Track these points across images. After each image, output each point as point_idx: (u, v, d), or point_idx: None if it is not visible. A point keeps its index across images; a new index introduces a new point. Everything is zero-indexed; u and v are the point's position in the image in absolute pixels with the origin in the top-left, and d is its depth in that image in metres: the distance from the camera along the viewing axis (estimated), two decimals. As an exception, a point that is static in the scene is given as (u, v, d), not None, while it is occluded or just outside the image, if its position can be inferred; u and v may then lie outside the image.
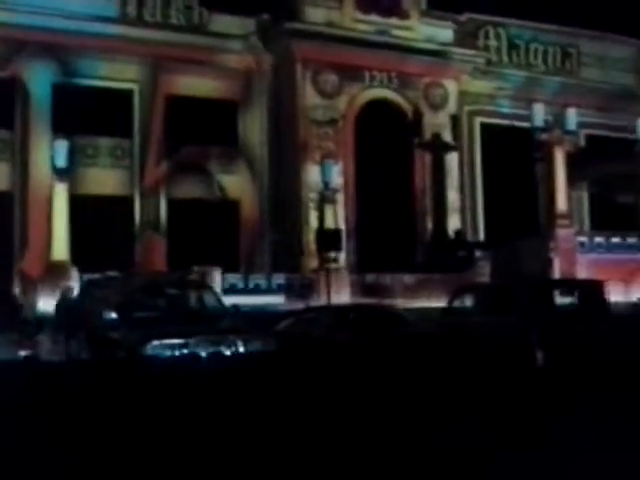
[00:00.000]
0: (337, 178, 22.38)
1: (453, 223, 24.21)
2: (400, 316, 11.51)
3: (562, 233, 20.40)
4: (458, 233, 23.16)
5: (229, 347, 9.25)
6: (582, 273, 20.21)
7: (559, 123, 26.94)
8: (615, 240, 21.59)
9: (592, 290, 13.48)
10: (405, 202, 23.85)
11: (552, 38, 28.00)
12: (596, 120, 28.15)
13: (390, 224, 23.21)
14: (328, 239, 19.38)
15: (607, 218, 25.61)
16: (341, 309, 13.69)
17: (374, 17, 23.55)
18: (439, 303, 15.86)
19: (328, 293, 18.33)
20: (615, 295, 20.30)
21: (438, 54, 24.13)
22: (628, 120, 28.27)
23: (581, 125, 27.91)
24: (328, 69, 22.83)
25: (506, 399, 8.60)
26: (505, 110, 26.18)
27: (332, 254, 19.52)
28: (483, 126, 26.15)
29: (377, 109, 23.72)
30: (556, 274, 20.09)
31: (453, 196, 24.34)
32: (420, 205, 23.99)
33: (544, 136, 21.25)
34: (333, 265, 19.82)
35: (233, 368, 8.84)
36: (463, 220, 25.19)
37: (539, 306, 12.37)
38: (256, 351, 9.32)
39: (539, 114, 21.12)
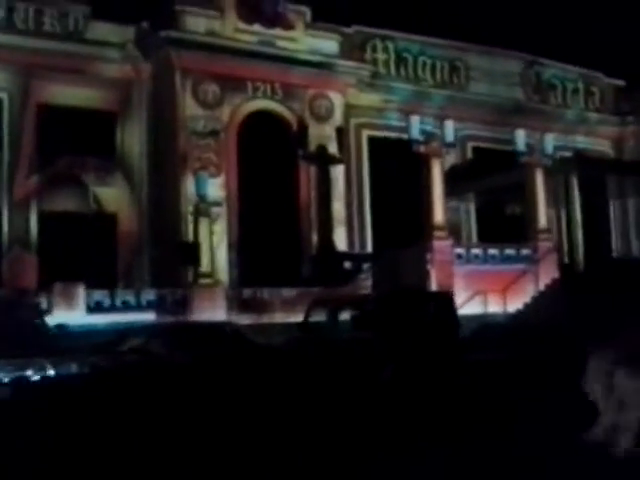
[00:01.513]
0: (218, 191, 21.96)
1: (339, 236, 24.04)
2: (239, 333, 11.11)
3: (438, 245, 20.43)
4: (328, 247, 22.91)
5: (37, 371, 8.67)
6: (459, 284, 20.27)
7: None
8: (493, 251, 21.76)
9: (443, 302, 13.38)
10: (290, 215, 23.56)
11: (440, 52, 28.24)
12: (483, 133, 28.60)
13: (275, 237, 22.88)
14: (186, 252, 18.89)
15: (494, 230, 25.93)
16: (182, 328, 13.22)
17: (257, 28, 23.24)
18: (319, 317, 15.67)
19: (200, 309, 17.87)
20: (493, 306, 20.62)
21: (323, 66, 23.99)
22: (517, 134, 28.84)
23: (468, 138, 28.40)
24: (209, 79, 22.38)
25: (328, 416, 8.38)
26: (392, 123, 26.19)
27: (201, 268, 19.03)
28: (370, 139, 26.11)
29: (261, 120, 23.40)
30: (433, 286, 20.09)
31: (339, 208, 24.17)
32: (305, 218, 23.73)
33: (422, 148, 21.22)
34: (206, 280, 19.34)
35: (38, 392, 8.29)
36: (350, 233, 25.10)
37: (391, 319, 12.19)
38: (70, 374, 8.77)
39: (416, 126, 21.14)
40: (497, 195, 26.89)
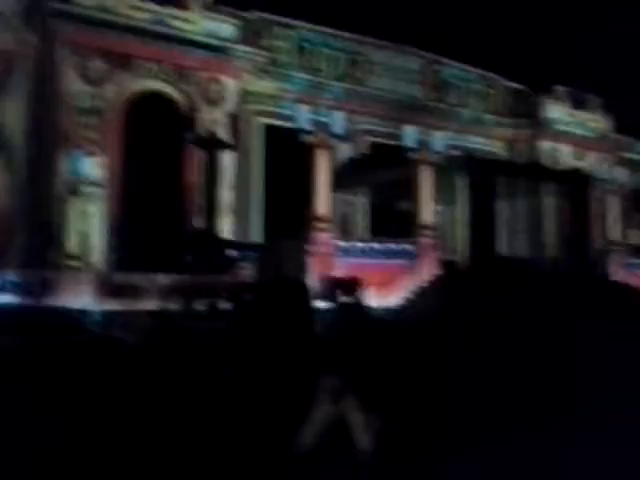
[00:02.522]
0: (98, 170, 21.30)
1: (225, 223, 23.69)
2: (76, 320, 10.68)
3: (320, 237, 20.32)
4: (212, 234, 22.58)
5: None
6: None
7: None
8: (375, 246, 21.82)
9: (295, 292, 13.18)
10: (175, 200, 23.06)
11: (341, 44, 28.19)
12: (381, 128, 28.71)
13: (158, 222, 22.34)
14: (45, 233, 18.25)
15: (387, 224, 26.03)
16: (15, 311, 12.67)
17: (151, 6, 22.60)
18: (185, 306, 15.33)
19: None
20: (373, 301, 20.61)
21: (217, 50, 23.55)
22: (414, 130, 29.14)
23: (365, 132, 28.46)
24: (96, 55, 21.64)
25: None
26: (289, 112, 25.98)
27: (67, 250, 18.40)
28: (265, 127, 25.82)
29: (150, 101, 22.82)
30: (314, 278, 19.96)
31: (226, 196, 23.80)
32: (191, 203, 23.26)
33: (308, 138, 21.07)
34: (74, 263, 18.70)
35: None
36: (239, 221, 24.79)
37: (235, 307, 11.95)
38: None
39: (304, 116, 20.96)
40: (390, 190, 27.00)
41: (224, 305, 14.53)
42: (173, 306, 13.05)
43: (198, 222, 23.17)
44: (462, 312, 19.94)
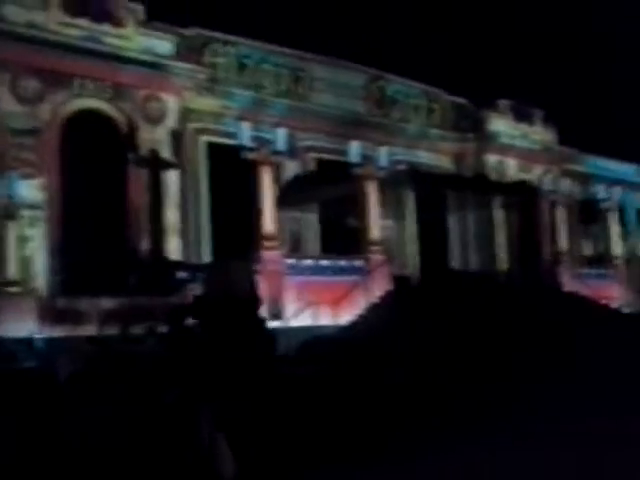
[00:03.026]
0: (36, 193, 20.45)
1: (172, 244, 22.97)
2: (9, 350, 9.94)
3: (268, 255, 19.76)
4: (158, 256, 21.87)
5: None
6: (290, 296, 19.71)
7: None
8: (325, 263, 21.35)
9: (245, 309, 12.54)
10: (118, 221, 22.26)
11: (283, 60, 27.80)
12: (326, 145, 28.36)
13: (101, 244, 21.52)
14: None
15: (337, 241, 25.58)
16: None
17: (84, 22, 21.88)
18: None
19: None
20: (324, 319, 20.14)
21: (155, 66, 22.92)
22: (359, 146, 28.87)
23: (310, 149, 28.09)
24: (29, 74, 20.80)
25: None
26: (232, 129, 25.40)
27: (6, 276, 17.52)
28: (209, 145, 25.21)
29: (88, 120, 22.04)
30: (263, 297, 19.32)
31: (172, 216, 23.10)
32: (135, 224, 22.49)
33: (251, 156, 20.55)
34: (14, 289, 17.82)
35: None
36: (186, 241, 24.10)
37: (172, 330, 11.23)
38: None
39: (246, 132, 20.48)
40: (338, 207, 26.63)
41: (165, 328, 13.89)
42: (113, 330, 12.33)
43: (143, 243, 22.41)
44: (414, 326, 19.59)
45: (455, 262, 31.93)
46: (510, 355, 17.58)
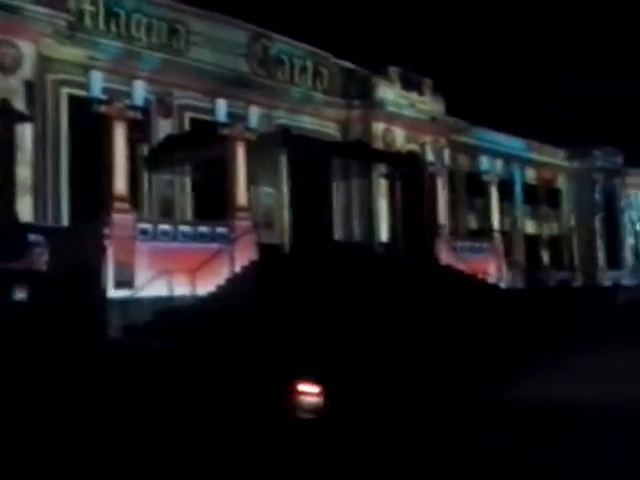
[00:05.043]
0: None
1: (24, 205, 21.22)
2: None
3: (119, 218, 18.37)
4: (9, 217, 20.19)
5: None
6: (142, 263, 18.43)
7: (160, 102, 25.45)
8: (184, 228, 20.11)
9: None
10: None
11: (158, 11, 26.13)
12: (203, 104, 26.97)
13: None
14: None
15: (210, 206, 24.32)
16: None
17: None
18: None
19: None
20: (181, 288, 18.97)
21: (8, 9, 20.95)
22: (241, 107, 27.55)
23: (186, 108, 26.66)
24: None
25: None
26: (100, 84, 23.64)
27: None
28: (71, 98, 23.40)
29: None
30: (111, 263, 18.03)
31: (25, 173, 21.32)
32: (-19, 181, 20.65)
33: (103, 109, 19.04)
34: None
35: None
36: (43, 202, 22.41)
37: None
38: None
39: (97, 83, 18.98)
40: (213, 170, 25.36)
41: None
42: None
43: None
44: (275, 297, 18.69)
45: (337, 232, 31.24)
46: (372, 330, 16.90)
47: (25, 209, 21.22)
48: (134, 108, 19.41)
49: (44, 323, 16.06)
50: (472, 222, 37.92)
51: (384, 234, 29.81)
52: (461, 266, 27.21)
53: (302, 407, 8.25)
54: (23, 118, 21.32)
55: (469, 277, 26.30)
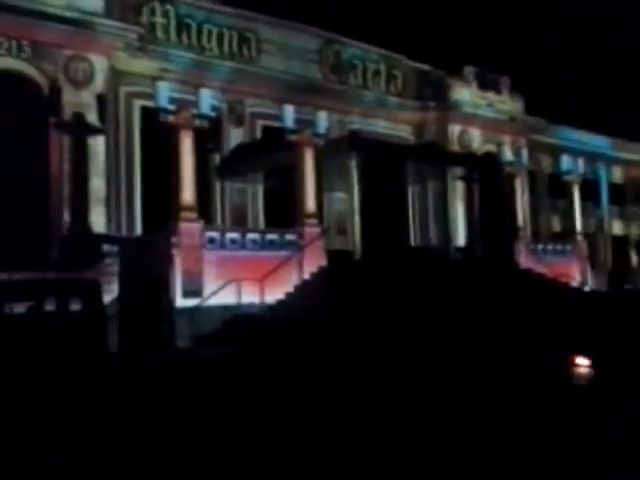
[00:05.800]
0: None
1: (98, 215, 21.61)
2: None
3: (186, 227, 18.41)
4: (83, 228, 20.55)
5: None
6: (210, 271, 18.43)
7: (232, 110, 25.53)
8: (253, 236, 20.02)
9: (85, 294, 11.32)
10: (38, 190, 20.87)
11: (228, 21, 26.25)
12: (274, 112, 26.89)
13: (18, 215, 20.15)
14: None
15: (283, 213, 24.25)
16: None
17: (1, -25, 20.30)
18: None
19: None
20: (249, 296, 18.89)
21: (80, 24, 21.38)
22: (311, 114, 27.32)
23: (257, 115, 26.69)
24: (-63, 31, 19.35)
25: None
26: (172, 94, 23.84)
27: None
28: (144, 109, 23.71)
29: (4, 81, 20.53)
30: (178, 273, 18.09)
31: (98, 184, 21.72)
32: (57, 194, 21.11)
33: (170, 118, 19.14)
34: None
35: None
36: (117, 213, 22.82)
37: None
38: None
39: (164, 93, 19.04)
40: (284, 176, 25.28)
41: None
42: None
43: (66, 215, 21.06)
44: (345, 306, 18.39)
45: (413, 237, 30.74)
46: (450, 339, 16.40)
47: (99, 220, 21.61)
48: (202, 117, 19.35)
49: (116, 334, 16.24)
50: (555, 224, 36.73)
51: (462, 238, 29.12)
52: (542, 270, 26.31)
53: (576, 376, 10.89)
54: (95, 131, 21.72)
55: (550, 281, 25.40)
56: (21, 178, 20.44)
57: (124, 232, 22.76)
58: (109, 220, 21.97)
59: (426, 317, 17.67)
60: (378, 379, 11.60)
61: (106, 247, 20.57)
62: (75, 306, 11.03)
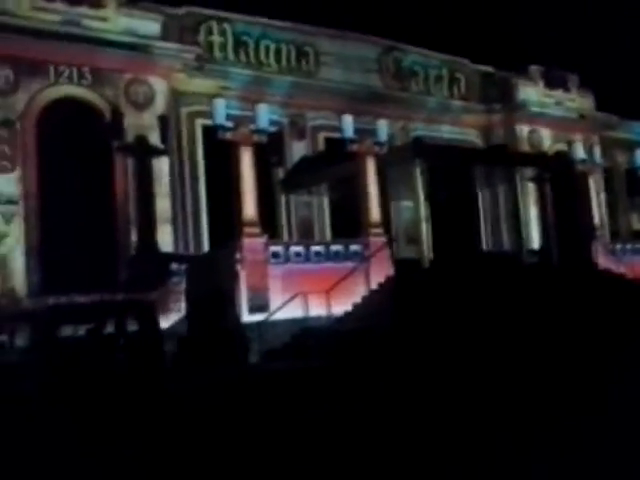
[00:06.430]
0: (12, 187, 19.57)
1: (164, 235, 21.78)
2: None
3: (249, 243, 18.30)
4: (149, 248, 20.70)
5: None
6: (275, 286, 18.27)
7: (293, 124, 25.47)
8: (316, 249, 19.78)
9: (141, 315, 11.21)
10: (104, 213, 21.17)
11: (285, 36, 26.24)
12: (336, 123, 26.63)
13: (86, 238, 20.48)
14: None
15: (350, 225, 23.99)
16: None
17: (59, 6, 20.77)
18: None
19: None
20: (315, 309, 18.64)
21: (138, 48, 21.67)
22: (371, 122, 26.98)
23: (319, 128, 26.55)
24: (1, 63, 19.85)
25: None
26: (232, 111, 23.92)
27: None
28: (206, 128, 23.80)
29: (67, 108, 20.96)
30: (243, 288, 17.98)
31: (163, 205, 21.90)
32: (123, 216, 21.37)
33: (228, 135, 19.11)
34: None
35: None
36: (184, 232, 22.96)
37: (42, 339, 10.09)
38: None
39: (221, 111, 19.04)
40: (348, 187, 25.01)
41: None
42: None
43: (132, 235, 21.29)
44: (415, 315, 17.95)
45: (485, 242, 30.00)
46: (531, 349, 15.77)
47: (166, 239, 21.76)
48: (260, 132, 19.27)
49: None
50: (635, 222, 35.36)
51: (536, 241, 28.28)
52: (622, 270, 25.29)
53: None
54: (158, 152, 21.91)
55: (630, 281, 24.35)
56: (88, 202, 20.80)
57: (192, 250, 22.87)
58: (176, 239, 22.08)
59: (500, 326, 17.09)
60: (455, 396, 11.04)
61: (174, 266, 20.65)
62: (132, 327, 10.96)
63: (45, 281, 19.74)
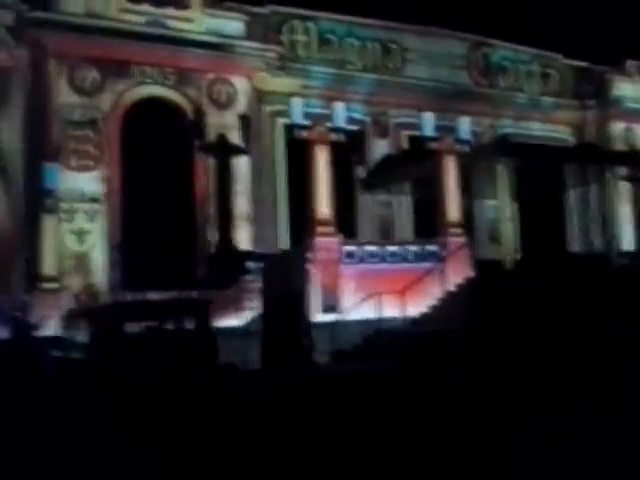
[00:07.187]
0: (95, 185, 20.11)
1: (242, 233, 21.96)
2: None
3: (322, 242, 18.22)
4: (228, 246, 20.87)
5: None
6: (348, 285, 18.12)
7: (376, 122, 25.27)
8: (392, 249, 19.50)
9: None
10: (185, 211, 21.52)
11: (370, 33, 26.01)
12: (420, 121, 26.31)
13: (167, 236, 20.85)
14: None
15: (427, 223, 23.59)
16: None
17: (146, 7, 21.24)
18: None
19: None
20: (390, 310, 18.39)
21: (222, 48, 21.89)
22: (454, 120, 26.51)
23: (403, 126, 26.23)
24: (88, 64, 20.43)
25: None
26: (314, 110, 23.91)
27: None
28: (286, 127, 23.83)
29: (151, 108, 21.39)
30: (316, 287, 17.89)
31: (242, 203, 22.07)
32: (202, 214, 21.66)
33: (304, 133, 19.05)
34: (50, 285, 17.41)
35: None
36: (266, 230, 23.07)
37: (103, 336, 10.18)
38: None
39: (297, 109, 19.01)
40: (430, 186, 24.60)
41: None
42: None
43: (212, 234, 21.54)
44: (495, 319, 17.44)
45: (574, 243, 28.95)
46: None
47: (244, 237, 21.92)
48: (338, 131, 19.15)
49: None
50: None
51: (627, 242, 27.12)
52: None
53: None
54: (239, 151, 22.08)
55: None
56: (169, 200, 21.15)
57: (270, 249, 22.94)
58: (255, 238, 22.20)
59: (589, 332, 16.44)
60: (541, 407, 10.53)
61: (250, 264, 20.75)
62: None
63: (125, 278, 20.17)
